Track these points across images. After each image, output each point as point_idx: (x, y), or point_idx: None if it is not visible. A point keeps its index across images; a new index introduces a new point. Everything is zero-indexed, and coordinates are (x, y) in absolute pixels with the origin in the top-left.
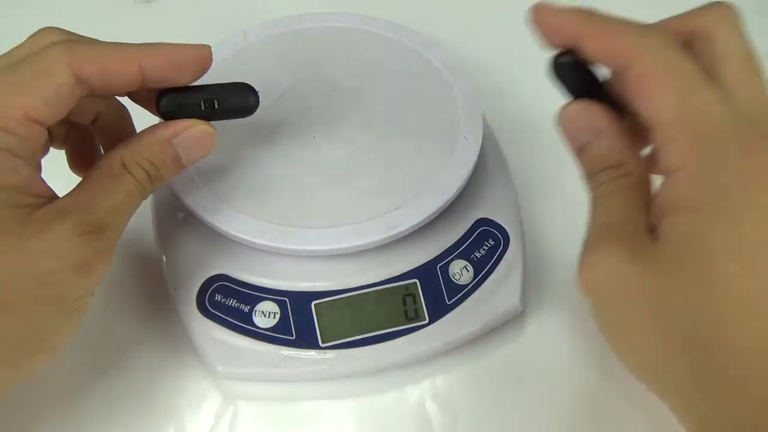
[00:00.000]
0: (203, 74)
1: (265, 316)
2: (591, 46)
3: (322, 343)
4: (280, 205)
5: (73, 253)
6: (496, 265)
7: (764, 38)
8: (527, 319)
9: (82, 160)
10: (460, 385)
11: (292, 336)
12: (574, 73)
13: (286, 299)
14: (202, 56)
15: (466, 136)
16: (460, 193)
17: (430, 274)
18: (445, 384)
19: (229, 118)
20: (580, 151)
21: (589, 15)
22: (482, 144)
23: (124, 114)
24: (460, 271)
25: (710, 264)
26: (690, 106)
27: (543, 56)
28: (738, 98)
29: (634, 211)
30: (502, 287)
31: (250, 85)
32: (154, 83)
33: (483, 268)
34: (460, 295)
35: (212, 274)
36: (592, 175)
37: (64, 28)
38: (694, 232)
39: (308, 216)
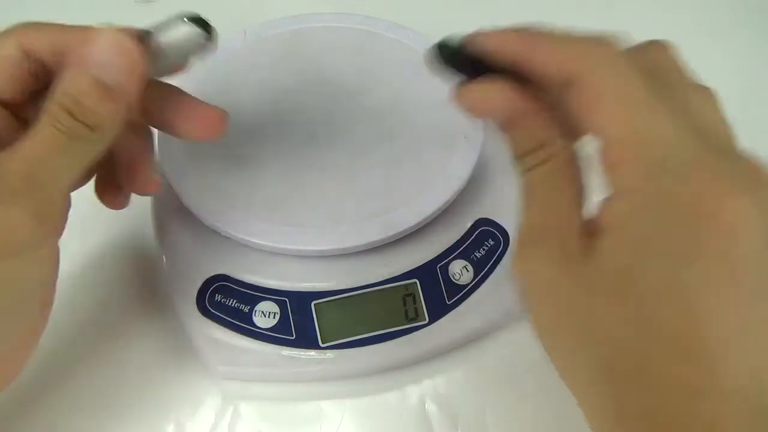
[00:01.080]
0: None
1: (265, 316)
2: (535, 59)
3: (322, 343)
4: (280, 204)
5: None
6: (496, 265)
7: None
8: (527, 319)
9: (105, 188)
10: (460, 385)
11: (292, 336)
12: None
13: (286, 299)
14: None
15: (466, 135)
16: (461, 192)
17: (430, 274)
18: (445, 384)
19: (178, 58)
20: (506, 131)
21: (528, 30)
22: (482, 143)
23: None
24: (460, 271)
25: (644, 302)
26: (641, 126)
27: None
28: (695, 123)
29: (566, 207)
30: (502, 287)
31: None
32: None
33: (483, 268)
34: (460, 295)
35: (212, 274)
36: (518, 157)
37: None
38: (632, 265)
39: (308, 216)
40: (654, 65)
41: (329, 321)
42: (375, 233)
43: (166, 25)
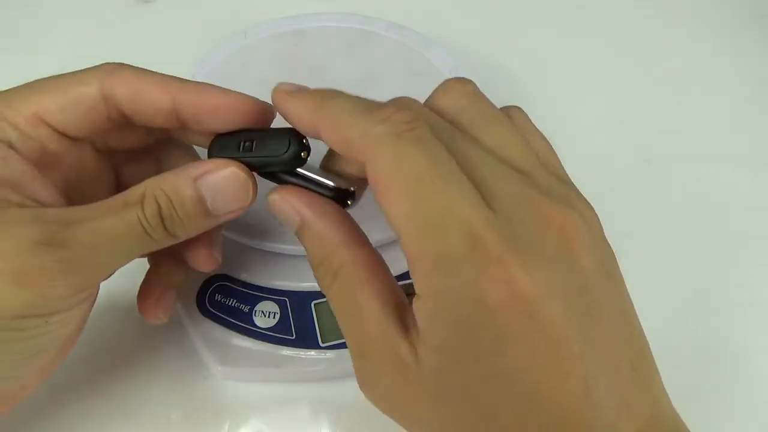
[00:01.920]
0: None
1: (265, 316)
2: (327, 138)
3: (323, 342)
4: None
5: (15, 256)
6: None
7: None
8: None
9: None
10: None
11: (292, 336)
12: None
13: (286, 299)
14: (249, 107)
15: None
16: None
17: None
18: None
19: (273, 170)
20: (297, 237)
21: (321, 100)
22: None
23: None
24: None
25: (464, 402)
26: (426, 220)
27: (544, 56)
28: (488, 182)
29: (377, 314)
30: None
31: (297, 132)
32: (190, 122)
33: None
34: None
35: (212, 273)
36: (313, 269)
37: (65, 27)
38: (442, 369)
39: None
40: (444, 117)
41: (329, 321)
42: (375, 233)
43: (275, 133)
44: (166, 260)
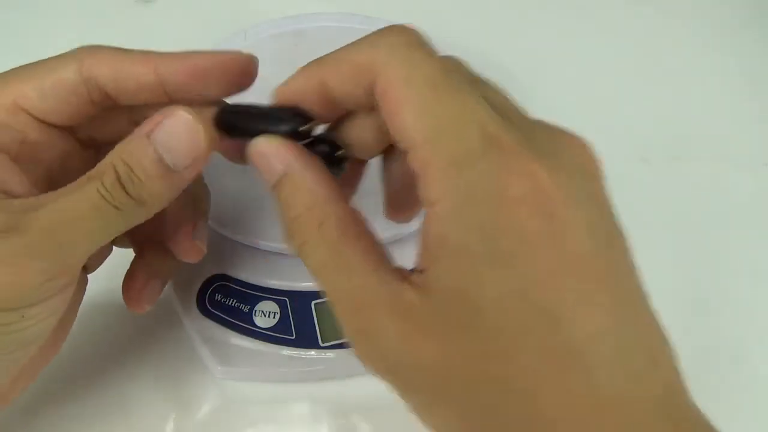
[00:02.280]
0: (240, 88)
1: (265, 315)
2: (336, 83)
3: (323, 342)
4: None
5: None
6: None
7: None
8: None
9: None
10: None
11: (292, 336)
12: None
13: (286, 299)
14: (236, 64)
15: None
16: None
17: None
18: None
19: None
20: (273, 191)
21: (318, 61)
22: None
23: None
24: None
25: (481, 326)
26: (437, 126)
27: (544, 55)
28: (494, 104)
29: (373, 271)
30: None
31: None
32: (177, 94)
33: None
34: None
35: (212, 273)
36: (289, 226)
37: (65, 27)
38: (458, 283)
39: None
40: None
41: (329, 321)
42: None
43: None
44: (150, 249)
